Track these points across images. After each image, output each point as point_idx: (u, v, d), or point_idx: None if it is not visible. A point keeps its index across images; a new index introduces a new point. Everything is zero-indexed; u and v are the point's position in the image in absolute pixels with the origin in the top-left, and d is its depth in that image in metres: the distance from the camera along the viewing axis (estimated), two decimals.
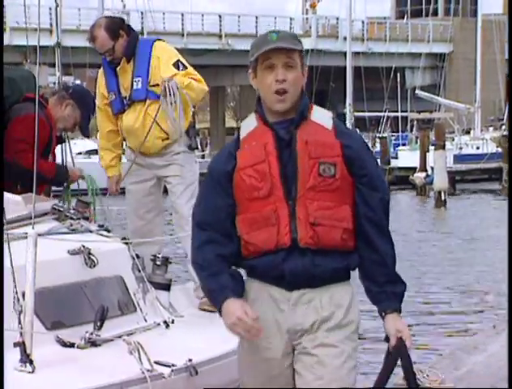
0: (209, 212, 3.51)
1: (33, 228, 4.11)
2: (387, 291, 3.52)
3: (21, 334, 3.85)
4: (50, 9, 11.40)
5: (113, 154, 6.23)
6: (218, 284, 3.42)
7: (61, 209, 4.98)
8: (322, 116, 3.56)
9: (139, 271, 4.94)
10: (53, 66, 8.97)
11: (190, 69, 6.01)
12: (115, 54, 5.98)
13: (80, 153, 31.76)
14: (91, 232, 4.91)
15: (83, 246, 4.55)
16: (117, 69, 6.03)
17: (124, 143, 6.32)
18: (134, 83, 5.99)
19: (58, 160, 6.17)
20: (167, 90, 5.77)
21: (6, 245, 3.93)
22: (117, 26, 6.05)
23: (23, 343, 3.85)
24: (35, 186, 4.24)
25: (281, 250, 3.42)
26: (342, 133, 3.52)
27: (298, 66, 3.51)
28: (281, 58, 3.46)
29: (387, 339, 3.51)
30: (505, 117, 44.77)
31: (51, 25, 21.34)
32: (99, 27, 6.02)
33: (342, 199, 3.47)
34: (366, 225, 3.50)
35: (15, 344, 3.85)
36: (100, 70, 6.19)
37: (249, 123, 3.57)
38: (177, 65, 5.94)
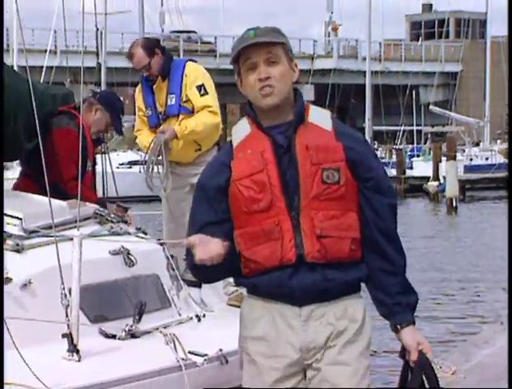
0: (202, 230, 2.94)
1: (78, 230, 4.14)
2: (402, 302, 3.02)
3: (68, 326, 3.86)
4: (97, 33, 11.51)
5: (151, 136, 6.15)
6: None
7: (103, 214, 5.00)
8: (320, 116, 3.03)
9: (173, 269, 4.93)
10: (99, 84, 9.02)
11: (209, 97, 6.00)
12: (151, 71, 6.02)
13: (122, 164, 31.91)
14: (129, 234, 4.91)
15: (123, 247, 4.55)
16: (154, 87, 6.07)
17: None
18: (169, 100, 6.03)
19: (99, 168, 6.17)
20: (152, 147, 5.89)
21: (54, 246, 3.95)
22: (152, 44, 6.10)
23: (71, 334, 3.85)
24: (80, 194, 4.27)
25: (286, 267, 2.92)
26: (343, 134, 3.00)
27: (283, 61, 2.97)
28: (262, 55, 2.94)
29: (403, 353, 3.04)
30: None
31: (97, 48, 21.44)
32: (136, 45, 6.08)
33: (347, 207, 2.95)
34: (374, 233, 2.99)
35: (63, 336, 3.85)
36: (138, 87, 6.25)
37: (242, 129, 3.04)
38: (199, 88, 5.98)
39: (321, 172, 2.91)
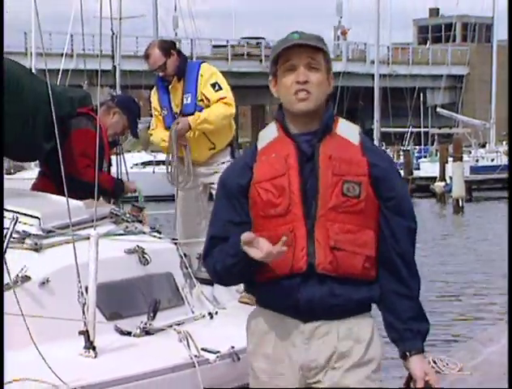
0: (224, 227, 2.86)
1: (95, 229, 4.14)
2: (413, 328, 2.85)
3: (85, 323, 3.87)
4: (112, 37, 11.52)
5: (164, 132, 6.18)
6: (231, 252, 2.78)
7: (118, 213, 5.01)
8: (348, 130, 2.90)
9: (186, 268, 4.94)
10: (114, 87, 9.06)
11: (224, 91, 6.04)
12: (167, 71, 6.04)
13: (137, 164, 32.02)
14: (144, 233, 4.91)
15: (138, 246, 4.56)
16: (169, 87, 6.09)
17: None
18: (185, 99, 6.06)
19: (113, 169, 6.21)
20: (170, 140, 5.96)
21: (71, 245, 3.96)
22: (168, 45, 6.15)
23: (87, 331, 3.86)
24: (97, 193, 4.29)
25: (296, 276, 2.77)
26: (369, 150, 2.87)
27: (322, 69, 2.85)
28: (303, 59, 2.81)
29: (408, 381, 2.87)
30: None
31: (112, 51, 21.45)
32: (153, 46, 6.14)
33: (365, 223, 2.80)
34: (391, 254, 2.84)
35: (80, 333, 3.87)
36: (154, 89, 6.27)
37: (269, 133, 2.92)
38: (213, 85, 6.02)
39: (341, 183, 2.78)
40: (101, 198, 5.42)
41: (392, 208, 2.84)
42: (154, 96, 6.23)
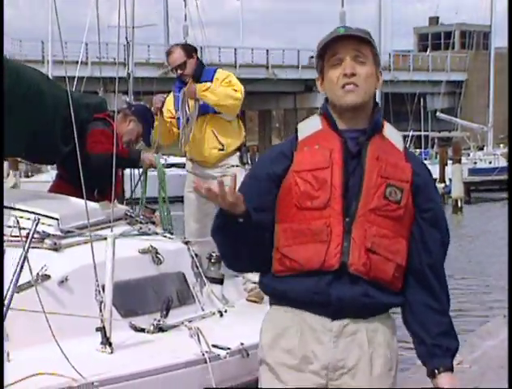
0: (248, 201, 2.56)
1: (112, 230, 4.15)
2: (442, 345, 2.63)
3: (101, 320, 3.87)
4: (125, 45, 11.54)
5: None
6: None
7: (132, 215, 5.02)
8: (394, 134, 2.73)
9: (197, 267, 4.94)
10: (126, 93, 9.09)
11: (233, 80, 6.09)
12: (185, 70, 6.08)
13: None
14: (157, 234, 4.93)
15: (151, 246, 4.56)
16: (185, 90, 6.11)
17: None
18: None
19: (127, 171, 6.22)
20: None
21: (89, 245, 3.96)
22: (191, 48, 6.29)
23: (104, 328, 3.87)
24: (113, 193, 4.30)
25: (327, 273, 2.55)
26: (412, 158, 2.70)
27: (370, 63, 2.65)
28: (349, 52, 2.62)
29: None
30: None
31: (125, 59, 21.49)
32: (176, 46, 6.31)
33: (400, 231, 2.61)
34: (423, 267, 2.65)
35: (97, 329, 3.87)
36: (170, 94, 6.27)
37: (312, 125, 2.70)
38: (227, 83, 6.06)
39: (385, 186, 2.58)
40: (115, 202, 5.45)
41: (428, 220, 2.65)
42: (170, 100, 6.25)
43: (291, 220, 2.58)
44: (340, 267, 2.54)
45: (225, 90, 6.00)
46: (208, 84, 6.00)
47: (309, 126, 2.69)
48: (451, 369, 2.63)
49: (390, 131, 2.70)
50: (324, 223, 2.55)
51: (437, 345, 2.63)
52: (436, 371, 2.63)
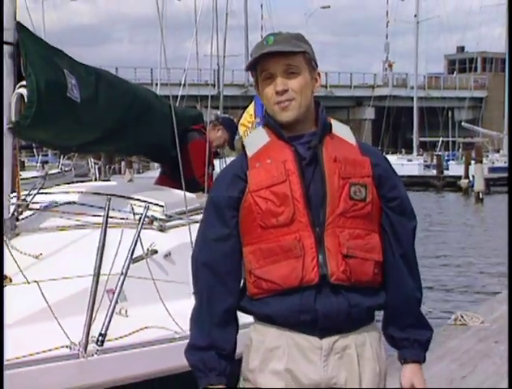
0: (211, 251, 2.07)
1: None
2: (410, 338, 2.09)
3: None
4: (215, 70, 11.66)
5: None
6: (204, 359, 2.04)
7: None
8: (343, 129, 2.13)
9: None
10: (217, 108, 9.23)
11: None
12: None
13: None
14: None
15: None
16: None
17: None
18: None
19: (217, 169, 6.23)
20: None
21: (187, 227, 3.93)
22: None
23: None
24: (206, 185, 4.32)
25: (308, 288, 1.97)
26: (367, 149, 2.11)
27: (303, 71, 2.05)
28: (279, 66, 2.03)
29: None
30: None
31: (214, 81, 21.77)
32: None
33: (371, 226, 2.05)
34: (396, 259, 2.08)
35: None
36: (252, 103, 6.16)
37: (258, 138, 2.09)
38: None
39: (348, 186, 2.01)
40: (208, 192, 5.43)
41: (396, 208, 2.08)
42: (251, 107, 6.15)
43: (257, 240, 2.01)
44: (321, 280, 1.97)
45: None
46: None
47: (256, 140, 2.09)
48: (420, 361, 2.11)
49: (338, 128, 2.11)
50: (294, 238, 1.98)
51: (405, 338, 2.10)
52: (403, 360, 2.12)
